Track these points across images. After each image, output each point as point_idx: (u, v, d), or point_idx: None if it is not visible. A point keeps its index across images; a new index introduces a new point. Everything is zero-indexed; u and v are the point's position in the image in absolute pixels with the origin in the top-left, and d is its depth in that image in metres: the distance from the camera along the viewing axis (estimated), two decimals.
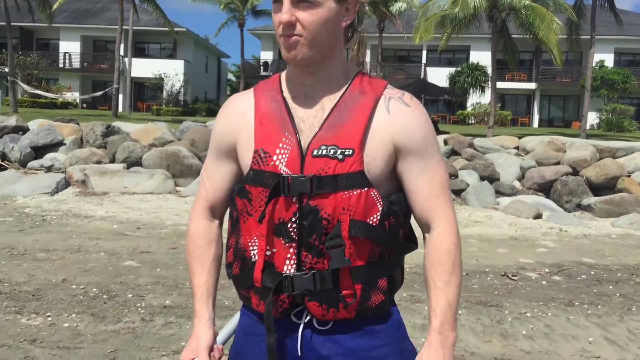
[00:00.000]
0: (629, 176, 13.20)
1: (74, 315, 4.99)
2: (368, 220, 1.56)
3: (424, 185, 1.63)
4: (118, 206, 10.66)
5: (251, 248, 1.62)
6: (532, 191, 13.14)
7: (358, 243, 1.56)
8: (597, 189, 12.96)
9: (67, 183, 12.09)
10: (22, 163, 13.28)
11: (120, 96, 34.03)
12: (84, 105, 41.72)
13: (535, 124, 42.26)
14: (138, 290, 5.79)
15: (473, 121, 39.24)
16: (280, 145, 1.58)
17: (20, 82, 29.55)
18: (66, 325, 4.75)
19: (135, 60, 38.54)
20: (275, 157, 1.58)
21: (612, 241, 9.54)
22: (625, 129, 34.99)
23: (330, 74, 1.63)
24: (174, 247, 7.71)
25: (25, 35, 44.47)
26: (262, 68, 45.24)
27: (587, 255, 8.27)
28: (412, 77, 39.87)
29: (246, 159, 1.64)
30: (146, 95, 45.65)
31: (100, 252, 7.28)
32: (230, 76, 63.38)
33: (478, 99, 39.01)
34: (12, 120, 14.99)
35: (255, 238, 1.61)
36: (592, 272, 7.28)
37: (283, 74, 1.71)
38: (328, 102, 1.61)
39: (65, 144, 14.14)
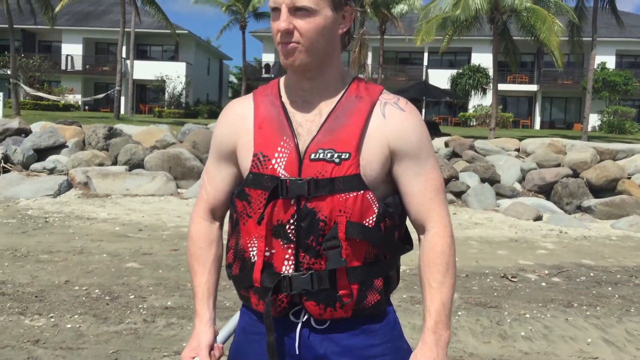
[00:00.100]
0: (629, 178, 13.23)
1: (76, 316, 5.03)
2: (364, 222, 1.61)
3: (418, 188, 1.67)
4: (120, 208, 10.71)
5: (250, 249, 1.67)
6: (533, 193, 13.17)
7: (354, 244, 1.61)
8: (598, 191, 12.99)
9: (69, 185, 12.14)
10: (25, 165, 13.34)
11: (122, 98, 34.09)
12: (86, 107, 41.78)
13: (537, 126, 42.28)
14: (140, 291, 5.84)
15: (474, 123, 39.25)
16: (279, 149, 1.63)
17: (22, 85, 29.61)
18: (69, 326, 4.79)
19: (137, 63, 38.61)
20: (273, 161, 1.62)
21: (612, 243, 9.57)
22: (626, 131, 35.00)
23: (328, 80, 1.67)
24: (175, 249, 7.76)
25: (28, 38, 44.57)
26: (263, 70, 45.31)
27: (586, 257, 8.31)
28: (413, 79, 39.91)
29: (246, 163, 1.68)
30: (148, 97, 45.73)
31: (103, 254, 7.32)
32: (232, 78, 63.46)
33: (479, 101, 39.05)
34: (14, 123, 15.06)
35: (254, 239, 1.66)
36: (592, 274, 7.31)
37: (282, 80, 1.76)
38: (325, 107, 1.66)
39: (67, 147, 14.19)
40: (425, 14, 25.94)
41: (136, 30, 34.87)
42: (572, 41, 27.19)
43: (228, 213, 1.80)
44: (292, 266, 1.62)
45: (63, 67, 43.47)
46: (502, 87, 35.06)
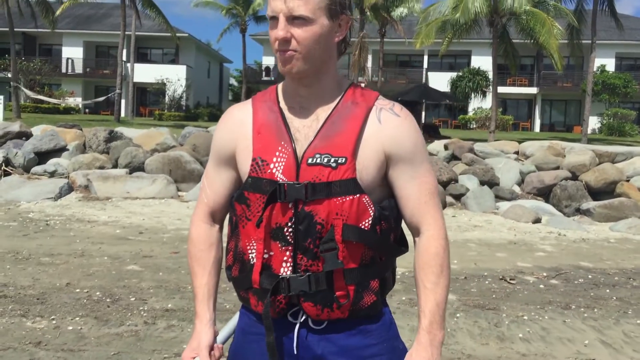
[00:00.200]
0: (627, 181, 13.26)
1: (77, 318, 5.07)
2: (360, 224, 1.65)
3: (413, 191, 1.71)
4: (121, 211, 10.75)
5: (250, 251, 1.71)
6: (532, 196, 13.21)
7: (351, 246, 1.65)
8: (596, 193, 13.03)
9: (70, 188, 12.19)
10: (26, 168, 13.38)
11: (123, 101, 34.16)
12: (87, 110, 41.84)
13: (537, 128, 42.32)
14: (141, 293, 5.88)
15: (474, 126, 39.32)
16: (277, 153, 1.67)
17: (23, 88, 29.67)
18: (70, 328, 4.83)
19: (137, 66, 38.67)
20: (272, 165, 1.66)
21: (611, 245, 9.61)
22: (626, 134, 35.05)
23: (324, 86, 1.71)
24: (176, 252, 7.79)
25: (28, 41, 44.65)
26: (264, 73, 45.39)
27: (585, 260, 8.35)
28: (413, 82, 39.97)
29: (245, 167, 1.72)
30: (148, 100, 45.81)
31: (104, 257, 7.36)
32: (232, 81, 63.49)
33: (479, 104, 39.12)
34: (15, 126, 15.11)
35: (253, 242, 1.69)
36: (590, 276, 7.35)
37: (279, 86, 1.80)
38: (322, 112, 1.70)
39: (68, 150, 14.24)
40: (425, 17, 26.02)
41: (137, 33, 34.92)
42: (572, 44, 27.24)
43: (228, 216, 1.84)
44: (290, 268, 1.66)
45: (64, 70, 43.54)
46: (501, 89, 35.08)
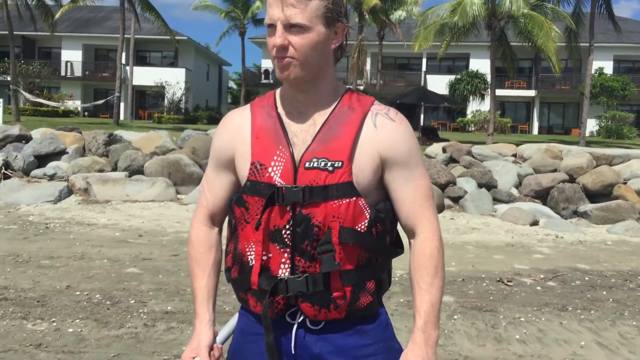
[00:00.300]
0: (625, 183, 13.29)
1: (78, 320, 5.11)
2: (357, 227, 1.69)
3: (408, 194, 1.75)
4: (120, 214, 10.78)
5: (248, 253, 1.74)
6: (529, 198, 13.25)
7: (347, 248, 1.69)
8: (594, 196, 13.07)
9: (69, 191, 12.22)
10: (26, 171, 13.41)
11: (122, 104, 34.20)
12: (86, 113, 41.91)
13: (535, 131, 42.40)
14: (140, 296, 5.91)
15: (473, 128, 39.40)
16: (275, 157, 1.71)
17: (22, 91, 29.71)
18: (70, 330, 4.87)
19: (136, 69, 38.76)
20: (270, 169, 1.70)
21: (608, 247, 9.65)
22: (624, 136, 35.12)
23: (321, 92, 1.76)
24: (175, 254, 7.83)
25: (28, 44, 44.72)
26: (262, 76, 45.45)
27: (582, 262, 8.39)
28: (412, 85, 40.08)
29: (244, 171, 1.76)
30: (147, 103, 45.86)
31: (103, 259, 7.40)
32: (232, 84, 63.56)
33: (478, 107, 39.18)
34: (15, 129, 15.14)
35: (252, 244, 1.73)
36: (587, 278, 7.39)
37: (277, 91, 1.84)
38: (319, 117, 1.74)
39: (67, 153, 14.27)
40: (423, 20, 26.07)
41: (136, 36, 35.03)
42: (570, 47, 27.32)
43: (227, 219, 1.88)
44: (288, 269, 1.70)
45: (63, 74, 43.62)
46: (500, 92, 35.17)
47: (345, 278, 1.70)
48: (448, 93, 36.78)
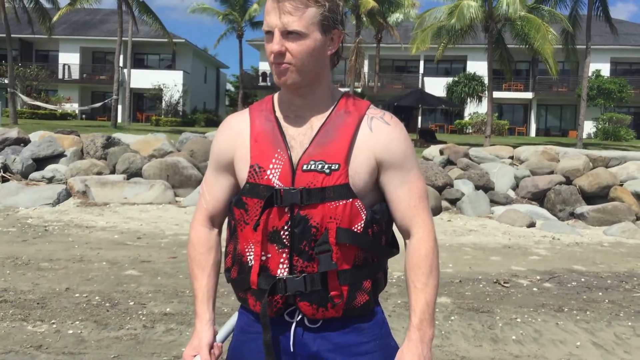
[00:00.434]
0: (621, 185, 13.35)
1: (77, 322, 5.14)
2: (353, 228, 1.73)
3: (403, 195, 1.80)
4: (118, 216, 10.82)
5: (248, 254, 1.79)
6: (526, 200, 13.31)
7: (344, 248, 1.73)
8: (590, 197, 13.12)
9: (68, 194, 12.26)
10: (24, 174, 13.45)
11: (120, 107, 34.23)
12: (83, 116, 41.90)
13: (533, 133, 42.48)
14: (139, 298, 5.95)
15: (470, 131, 39.46)
16: (274, 160, 1.75)
17: (19, 94, 29.72)
18: (70, 332, 4.90)
19: (134, 71, 38.81)
20: (269, 172, 1.75)
21: (604, 249, 9.70)
22: (622, 138, 35.19)
23: (318, 96, 1.80)
24: (174, 257, 7.87)
25: (25, 47, 44.74)
26: (260, 78, 45.51)
27: (578, 263, 8.43)
28: (409, 87, 40.14)
29: (243, 173, 1.81)
30: (145, 105, 45.90)
31: (102, 262, 7.43)
32: (229, 86, 63.50)
33: (475, 109, 39.28)
34: (13, 132, 15.18)
35: (251, 244, 1.78)
36: (583, 279, 7.44)
37: (275, 96, 1.89)
38: (316, 121, 1.79)
39: (66, 156, 14.31)
40: (421, 22, 26.11)
41: (133, 39, 35.08)
42: (567, 49, 27.39)
43: (226, 220, 1.93)
44: (287, 269, 1.74)
45: (60, 76, 43.61)
46: (497, 94, 35.27)
47: (342, 277, 1.74)
48: (445, 95, 36.90)
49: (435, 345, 4.79)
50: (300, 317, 1.79)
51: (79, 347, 4.57)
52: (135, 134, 17.68)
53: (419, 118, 38.61)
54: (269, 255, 1.76)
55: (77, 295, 5.97)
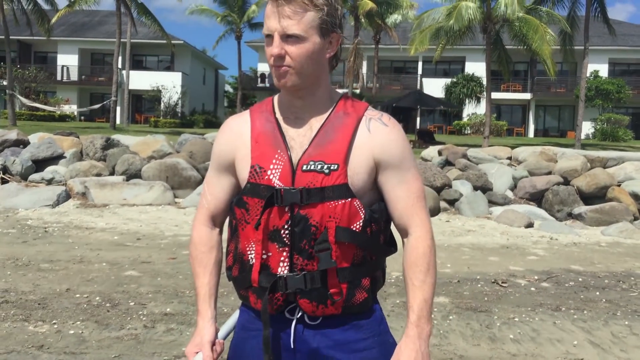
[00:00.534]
0: (619, 185, 13.40)
1: (78, 322, 5.18)
2: (352, 226, 1.77)
3: (401, 195, 1.84)
4: (118, 218, 10.85)
5: (249, 252, 1.83)
6: (524, 200, 13.35)
7: (343, 247, 1.77)
8: (588, 198, 13.16)
9: (67, 195, 12.29)
10: (24, 176, 13.47)
11: (118, 108, 34.23)
12: (82, 117, 41.93)
13: (531, 134, 42.54)
14: (140, 298, 5.98)
15: (469, 131, 39.51)
16: (274, 161, 1.79)
17: (18, 95, 29.73)
18: (71, 332, 4.94)
19: (133, 73, 38.80)
20: (269, 172, 1.79)
21: (602, 249, 9.74)
22: (620, 139, 35.25)
23: (317, 98, 1.84)
24: (173, 257, 7.90)
25: (24, 49, 44.76)
26: (259, 80, 45.52)
27: (576, 263, 8.48)
28: (408, 88, 40.20)
29: (244, 174, 1.85)
30: (144, 107, 45.94)
31: (102, 263, 7.47)
32: (228, 88, 63.60)
33: (474, 110, 39.34)
34: (13, 134, 15.20)
35: (252, 243, 1.81)
36: (580, 279, 7.48)
37: (275, 98, 1.93)
38: (316, 122, 1.83)
39: (65, 157, 14.33)
40: (419, 23, 26.15)
41: (132, 40, 35.08)
42: (564, 50, 27.43)
43: (227, 220, 1.96)
44: (287, 267, 1.78)
45: (59, 78, 43.62)
46: (495, 95, 35.32)
47: (342, 275, 1.78)
48: (444, 96, 36.93)
49: (434, 344, 4.84)
50: (300, 314, 1.83)
51: (80, 347, 4.61)
52: (134, 136, 17.71)
53: (418, 119, 38.63)
54: (270, 254, 1.79)
55: (77, 295, 6.00)
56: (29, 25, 30.23)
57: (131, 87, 37.47)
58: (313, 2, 1.71)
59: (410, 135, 24.07)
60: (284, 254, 1.78)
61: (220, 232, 2.03)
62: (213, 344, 1.91)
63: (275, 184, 1.77)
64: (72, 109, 39.15)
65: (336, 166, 1.76)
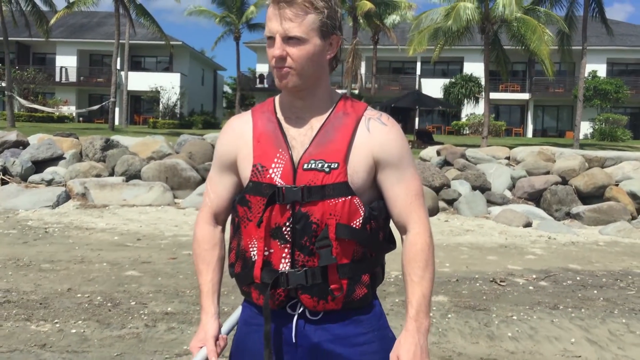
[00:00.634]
0: (616, 185, 13.44)
1: (80, 321, 5.22)
2: (352, 224, 1.81)
3: (400, 193, 1.88)
4: (118, 218, 10.89)
5: (251, 249, 1.87)
6: (523, 200, 13.40)
7: (343, 244, 1.81)
8: (586, 197, 13.21)
9: (67, 196, 12.32)
10: (23, 177, 13.50)
11: (117, 109, 34.23)
12: (81, 119, 41.96)
13: (530, 134, 42.60)
14: (141, 298, 6.02)
15: (468, 132, 39.56)
16: (275, 160, 1.84)
17: (17, 97, 29.76)
18: (73, 331, 4.98)
19: (131, 74, 38.83)
20: (271, 171, 1.83)
21: (599, 248, 9.79)
22: (618, 139, 35.30)
23: (318, 99, 1.89)
24: (174, 257, 7.94)
25: (22, 50, 44.77)
26: (257, 80, 45.54)
27: (574, 262, 8.53)
28: (406, 89, 40.25)
29: (246, 172, 1.89)
30: (142, 108, 45.98)
31: (103, 263, 7.50)
32: (227, 88, 63.65)
33: (472, 110, 39.41)
34: (12, 135, 15.24)
35: (254, 240, 1.86)
36: (578, 278, 7.53)
37: (277, 98, 1.98)
38: (316, 122, 1.87)
39: (65, 158, 14.37)
40: (417, 24, 26.21)
41: (130, 41, 35.11)
42: (562, 50, 27.48)
43: (230, 218, 2.01)
44: (289, 264, 1.83)
45: (57, 79, 43.64)
46: (494, 95, 35.38)
47: (342, 271, 1.83)
48: (442, 97, 36.99)
49: (433, 342, 4.88)
50: (301, 309, 1.87)
51: (82, 346, 4.65)
52: (133, 137, 17.74)
53: (416, 119, 38.71)
54: (272, 251, 1.84)
55: (79, 295, 6.04)
56: (27, 26, 30.23)
57: (130, 88, 37.51)
58: (314, 5, 1.75)
59: (408, 136, 24.11)
60: (286, 250, 1.82)
61: (223, 230, 2.07)
62: (216, 338, 1.95)
63: (277, 182, 1.81)
64: (70, 110, 39.19)
65: (336, 165, 1.80)
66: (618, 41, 38.39)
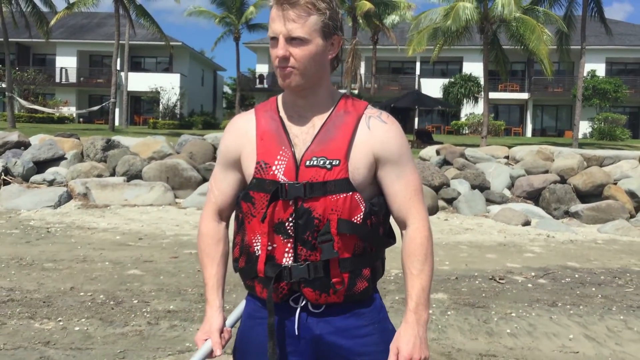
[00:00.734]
0: (615, 184, 13.49)
1: (83, 319, 5.27)
2: (353, 219, 1.87)
3: (399, 189, 1.94)
4: (119, 218, 10.94)
5: (255, 244, 1.92)
6: (522, 199, 13.46)
7: (345, 238, 1.86)
8: (585, 196, 13.27)
9: (69, 196, 12.37)
10: (25, 177, 13.55)
11: (117, 110, 34.26)
12: (81, 119, 41.99)
13: (529, 133, 42.65)
14: (143, 296, 6.08)
15: (467, 131, 39.60)
16: (278, 157, 1.89)
17: (17, 98, 29.80)
18: (77, 328, 5.03)
19: (131, 74, 38.87)
20: (274, 167, 1.89)
21: (598, 246, 9.85)
22: (617, 138, 35.33)
23: (319, 98, 1.94)
24: (175, 257, 7.99)
25: (22, 51, 44.82)
26: (257, 81, 45.57)
27: (572, 260, 8.58)
28: (406, 88, 40.28)
29: (250, 169, 1.95)
30: (142, 108, 46.01)
31: (105, 262, 7.56)
32: (226, 89, 63.67)
33: (471, 110, 39.44)
34: (14, 136, 15.29)
35: (258, 236, 1.91)
36: (577, 275, 7.58)
37: (279, 97, 2.04)
38: (318, 120, 1.93)
39: (66, 159, 14.43)
40: (417, 24, 26.23)
41: (130, 42, 35.17)
42: (561, 49, 27.52)
43: (234, 214, 2.06)
44: (292, 258, 1.88)
45: (57, 80, 43.68)
46: (493, 95, 35.40)
47: (343, 265, 1.88)
48: (442, 96, 37.04)
49: (432, 338, 4.94)
50: (304, 302, 1.93)
51: (85, 343, 4.70)
52: (133, 137, 17.79)
53: (416, 119, 38.76)
54: (275, 245, 1.89)
55: (81, 294, 6.10)
56: (27, 27, 30.27)
57: (130, 88, 37.55)
58: (316, 6, 1.81)
59: (408, 136, 24.14)
60: (289, 245, 1.88)
61: (227, 226, 2.12)
62: (221, 331, 2.01)
63: (280, 179, 1.87)
64: (70, 110, 39.22)
65: (338, 162, 1.85)
66: (617, 41, 38.44)
